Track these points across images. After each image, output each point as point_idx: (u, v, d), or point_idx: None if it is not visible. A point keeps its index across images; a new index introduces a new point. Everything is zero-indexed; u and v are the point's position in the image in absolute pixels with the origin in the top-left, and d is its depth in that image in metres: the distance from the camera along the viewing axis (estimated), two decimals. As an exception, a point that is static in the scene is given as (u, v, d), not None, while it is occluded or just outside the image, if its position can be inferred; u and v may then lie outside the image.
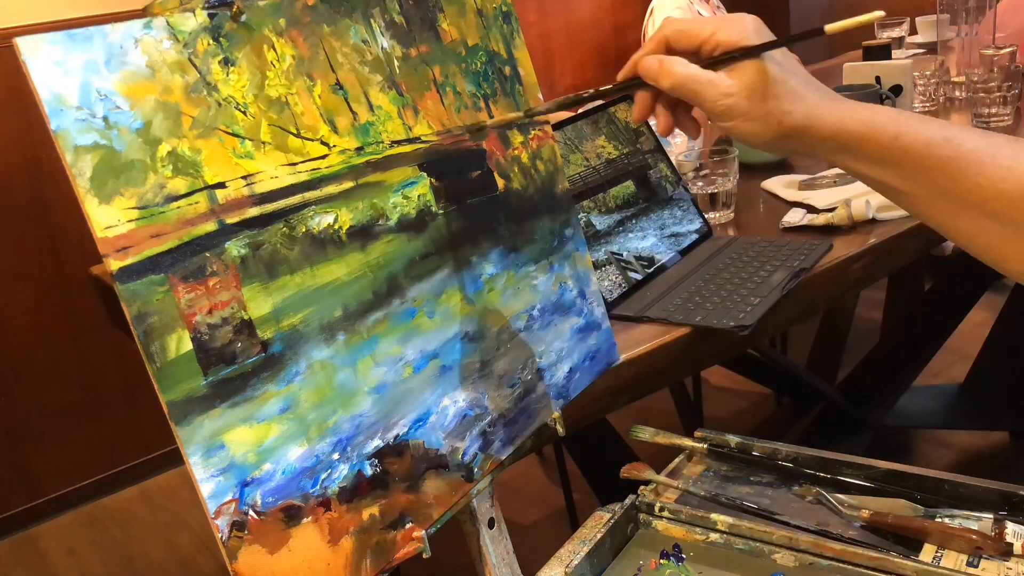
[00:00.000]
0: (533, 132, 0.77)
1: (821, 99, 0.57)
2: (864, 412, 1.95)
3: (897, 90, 1.72)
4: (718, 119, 0.58)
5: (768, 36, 0.58)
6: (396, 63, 0.64)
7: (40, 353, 2.45)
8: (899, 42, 2.38)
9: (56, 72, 0.45)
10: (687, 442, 0.87)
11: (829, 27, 0.56)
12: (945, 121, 0.56)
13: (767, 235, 1.30)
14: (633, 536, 0.78)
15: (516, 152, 0.74)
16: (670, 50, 0.60)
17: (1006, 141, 0.53)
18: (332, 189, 0.58)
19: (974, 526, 0.71)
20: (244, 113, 0.54)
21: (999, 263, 0.55)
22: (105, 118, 0.47)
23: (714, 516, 0.75)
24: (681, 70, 0.58)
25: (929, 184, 0.54)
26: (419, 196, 0.64)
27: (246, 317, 0.52)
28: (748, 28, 0.57)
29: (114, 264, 0.46)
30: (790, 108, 0.56)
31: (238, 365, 0.51)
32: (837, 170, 1.47)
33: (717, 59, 0.58)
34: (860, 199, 1.27)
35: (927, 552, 0.70)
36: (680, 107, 0.63)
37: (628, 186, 1.26)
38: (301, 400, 0.54)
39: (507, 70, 0.74)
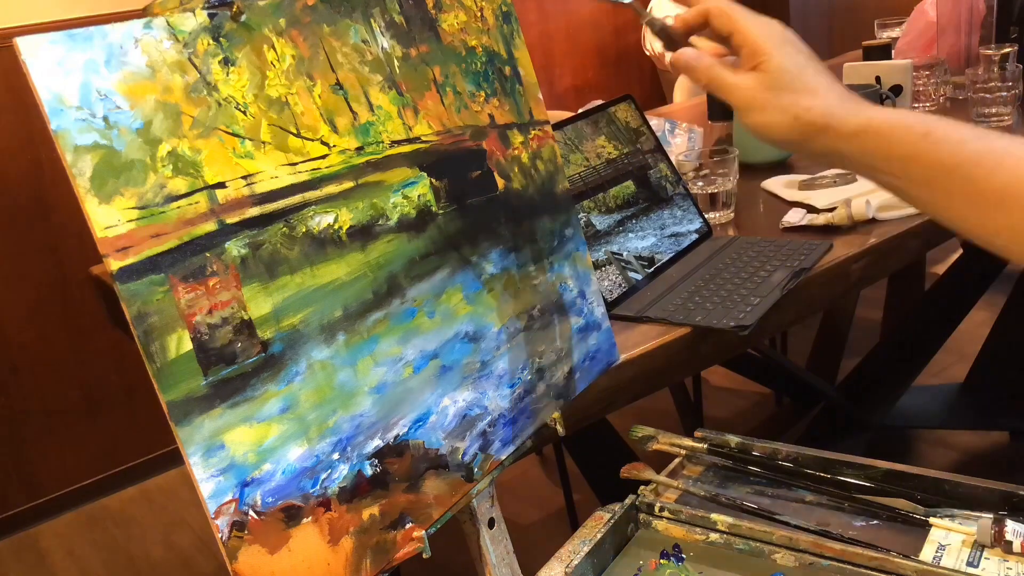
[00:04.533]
0: (533, 132, 0.77)
1: (844, 99, 0.58)
2: (864, 412, 1.95)
3: (897, 90, 1.72)
4: (740, 113, 0.60)
5: (792, 43, 0.60)
6: (396, 63, 0.64)
7: (40, 353, 2.45)
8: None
9: (56, 72, 0.45)
10: (687, 442, 0.87)
11: None
12: (970, 124, 0.56)
13: (767, 235, 1.30)
14: (633, 536, 0.78)
15: (516, 152, 0.74)
16: (704, 25, 0.63)
17: None
18: (332, 189, 0.58)
19: (974, 526, 0.71)
20: (244, 113, 0.54)
21: None
22: (105, 118, 0.47)
23: (714, 516, 0.75)
24: (713, 72, 0.62)
25: (962, 180, 0.53)
26: (419, 196, 0.64)
27: (246, 317, 0.52)
28: (773, 32, 0.60)
29: (114, 264, 0.46)
30: (810, 104, 0.57)
31: (238, 365, 0.51)
32: (837, 170, 1.47)
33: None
34: (860, 199, 1.27)
35: (927, 552, 0.70)
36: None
37: (628, 186, 1.26)
38: (301, 400, 0.54)
39: (507, 70, 0.74)
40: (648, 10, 0.69)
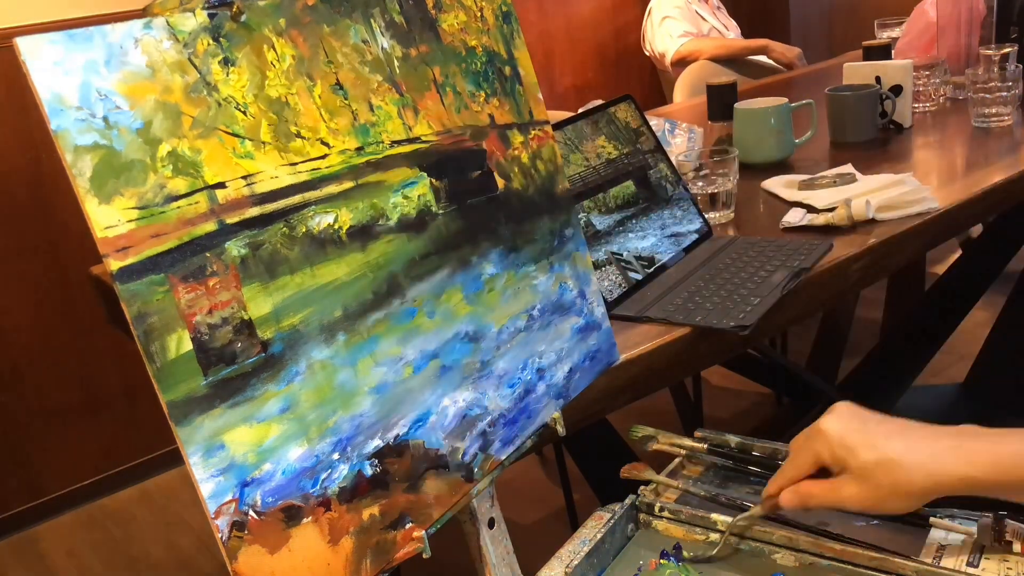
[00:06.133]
0: (533, 132, 0.77)
1: (937, 454, 0.60)
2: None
3: (897, 90, 1.72)
4: (867, 514, 0.66)
5: (851, 417, 0.64)
6: (396, 63, 0.64)
7: (40, 353, 2.45)
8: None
9: (56, 72, 0.45)
10: (687, 442, 0.87)
11: None
12: None
13: (767, 235, 1.30)
14: (633, 536, 0.78)
15: (516, 152, 0.74)
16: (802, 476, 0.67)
17: None
18: (332, 189, 0.58)
19: (974, 526, 0.71)
20: (244, 113, 0.54)
21: None
22: (105, 118, 0.47)
23: (714, 516, 0.75)
24: (818, 497, 0.65)
25: None
26: (419, 196, 0.64)
27: (246, 317, 0.52)
28: (830, 432, 0.64)
29: (114, 264, 0.46)
30: (909, 479, 0.60)
31: (238, 365, 0.51)
32: (837, 170, 1.47)
33: None
34: (860, 199, 1.27)
35: (927, 552, 0.70)
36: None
37: (628, 186, 1.26)
38: (301, 400, 0.54)
39: (507, 70, 0.74)
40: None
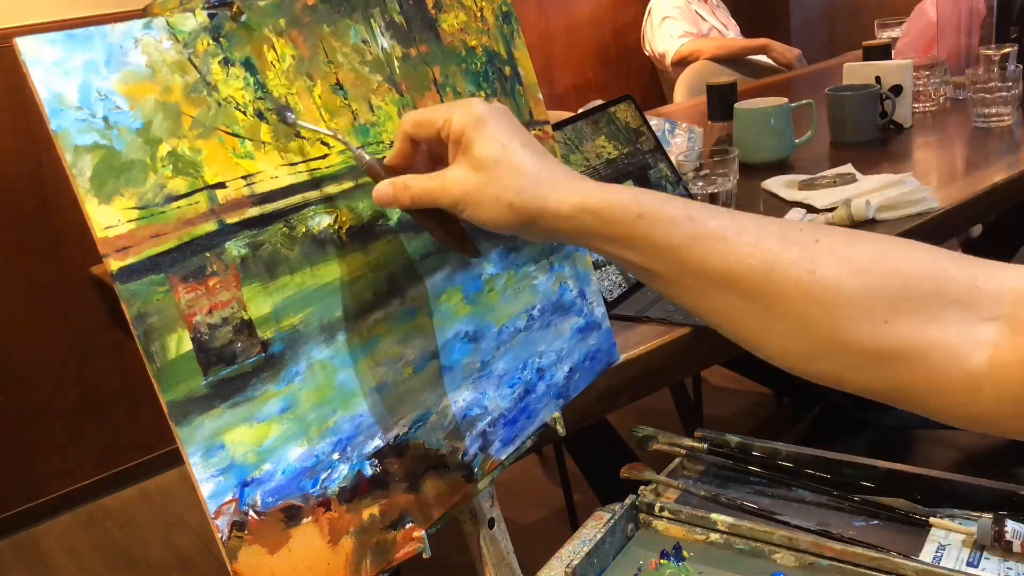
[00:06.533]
0: (533, 132, 0.77)
1: (556, 179, 0.55)
2: (864, 412, 1.95)
3: (897, 90, 1.72)
4: (456, 211, 0.56)
5: (493, 119, 0.56)
6: (396, 63, 0.64)
7: (40, 353, 2.45)
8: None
9: (56, 72, 0.45)
10: (687, 442, 0.87)
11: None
12: (690, 200, 0.53)
13: (767, 235, 1.29)
14: (633, 536, 0.78)
15: (516, 152, 0.74)
16: (414, 142, 0.58)
17: (751, 219, 0.52)
18: (332, 189, 0.58)
19: (974, 526, 0.71)
20: (244, 113, 0.54)
21: (754, 344, 0.53)
22: (105, 118, 0.47)
23: (714, 516, 0.75)
24: (413, 187, 0.56)
25: (677, 263, 0.52)
26: (419, 196, 0.64)
27: (246, 317, 0.52)
28: (478, 114, 0.55)
29: (114, 264, 0.46)
30: (520, 187, 0.54)
31: (238, 365, 0.51)
32: (837, 170, 1.47)
33: None
34: (860, 199, 1.27)
35: (927, 552, 0.70)
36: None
37: (628, 186, 1.26)
38: (301, 400, 0.54)
39: (507, 70, 0.74)
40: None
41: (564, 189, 0.54)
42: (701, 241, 0.51)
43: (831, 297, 0.48)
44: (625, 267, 0.55)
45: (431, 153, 0.60)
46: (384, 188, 0.57)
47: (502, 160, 0.55)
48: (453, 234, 0.59)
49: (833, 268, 0.49)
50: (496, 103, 0.57)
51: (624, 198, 0.53)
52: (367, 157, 0.58)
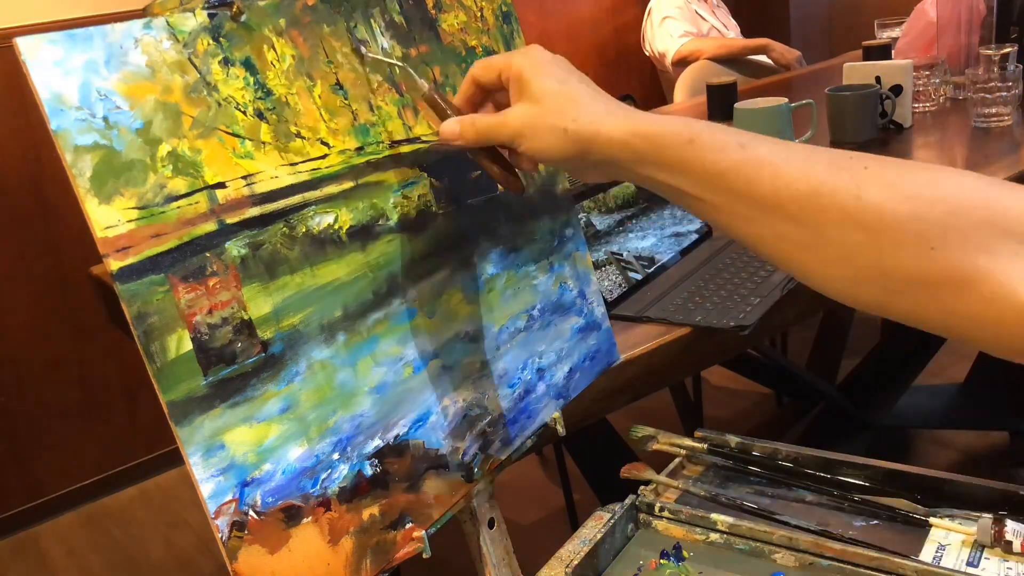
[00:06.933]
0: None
1: (610, 109, 0.57)
2: (864, 412, 1.95)
3: (897, 90, 1.72)
4: (516, 145, 0.59)
5: (554, 63, 0.59)
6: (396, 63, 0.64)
7: (40, 353, 2.45)
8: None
9: (56, 72, 0.45)
10: (687, 442, 0.87)
11: None
12: (743, 131, 0.54)
13: (767, 235, 1.29)
14: (633, 536, 0.78)
15: (516, 152, 0.74)
16: (480, 86, 0.61)
17: (801, 148, 0.52)
18: (332, 189, 0.58)
19: (974, 526, 0.71)
20: (244, 113, 0.54)
21: (801, 271, 0.53)
22: (105, 118, 0.47)
23: (714, 516, 0.75)
24: (479, 124, 0.59)
25: (726, 190, 0.53)
26: (419, 196, 0.64)
27: (246, 317, 0.52)
28: (537, 57, 0.59)
29: (114, 264, 0.46)
30: (575, 114, 0.56)
31: (238, 365, 0.51)
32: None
33: None
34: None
35: (927, 552, 0.70)
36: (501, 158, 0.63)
37: (628, 186, 1.26)
38: (301, 400, 0.54)
39: (507, 70, 0.74)
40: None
41: (619, 117, 0.56)
42: (750, 166, 0.52)
43: (876, 222, 0.48)
44: (675, 198, 0.56)
45: (496, 102, 0.62)
46: (452, 124, 0.60)
47: (560, 93, 0.57)
48: (506, 168, 0.62)
49: (879, 194, 0.48)
50: (556, 54, 0.61)
51: (676, 125, 0.54)
52: (428, 86, 0.61)
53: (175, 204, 0.49)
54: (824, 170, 0.50)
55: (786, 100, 1.62)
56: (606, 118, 0.56)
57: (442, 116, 0.61)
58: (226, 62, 0.53)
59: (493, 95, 0.62)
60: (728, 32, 3.14)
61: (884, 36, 2.35)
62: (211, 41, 0.52)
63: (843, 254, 0.50)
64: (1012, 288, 0.45)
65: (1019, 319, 0.45)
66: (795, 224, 0.51)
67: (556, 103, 0.57)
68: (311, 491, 0.54)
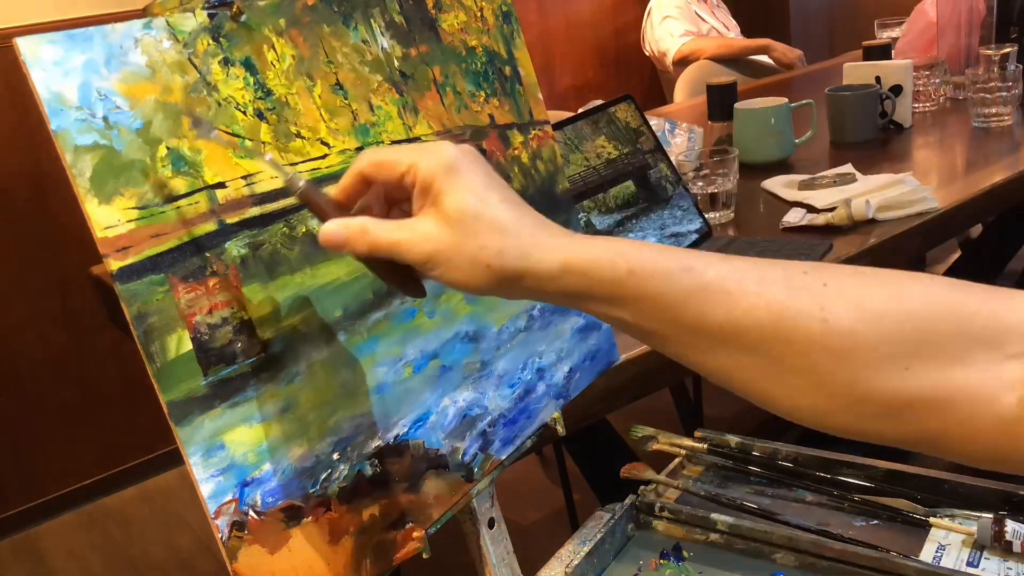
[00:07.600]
0: (533, 132, 0.77)
1: (537, 234, 0.49)
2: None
3: (897, 90, 1.72)
4: (423, 270, 0.49)
5: (466, 166, 0.49)
6: (396, 63, 0.64)
7: (40, 353, 2.45)
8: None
9: (56, 72, 0.45)
10: (687, 442, 0.87)
11: None
12: (682, 249, 0.49)
13: (767, 235, 1.30)
14: (633, 536, 0.78)
15: (516, 152, 0.74)
16: (369, 183, 0.51)
17: (752, 265, 0.48)
18: (332, 189, 0.58)
19: (974, 526, 0.71)
20: (244, 113, 0.54)
21: (765, 400, 0.48)
22: (105, 118, 0.47)
23: (714, 516, 0.75)
24: (373, 234, 0.49)
25: (675, 322, 0.47)
26: (419, 196, 0.64)
27: (246, 317, 0.52)
28: (450, 160, 0.49)
29: (114, 264, 0.46)
30: (500, 247, 0.48)
31: (238, 365, 0.51)
32: (837, 170, 1.47)
33: None
34: (860, 199, 1.27)
35: (927, 552, 0.70)
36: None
37: (628, 186, 1.26)
38: (301, 400, 0.54)
39: (507, 70, 0.74)
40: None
41: (546, 247, 0.49)
42: (700, 295, 0.47)
43: (847, 347, 0.45)
44: (620, 328, 0.50)
45: (387, 195, 0.52)
46: (335, 230, 0.49)
47: (480, 215, 0.48)
48: (404, 277, 0.52)
49: (846, 315, 0.45)
50: (465, 145, 0.51)
51: (611, 252, 0.48)
52: (302, 183, 0.50)
53: (175, 204, 0.49)
54: (782, 291, 0.46)
55: (786, 100, 1.62)
56: (533, 250, 0.48)
57: (322, 217, 0.50)
58: (226, 62, 0.53)
59: (388, 189, 0.52)
60: (728, 32, 3.14)
61: (884, 36, 2.35)
62: (211, 41, 0.52)
63: (811, 382, 0.46)
64: (989, 400, 0.43)
65: (1000, 430, 0.43)
66: (755, 354, 0.46)
67: (475, 229, 0.48)
68: (311, 491, 0.54)
